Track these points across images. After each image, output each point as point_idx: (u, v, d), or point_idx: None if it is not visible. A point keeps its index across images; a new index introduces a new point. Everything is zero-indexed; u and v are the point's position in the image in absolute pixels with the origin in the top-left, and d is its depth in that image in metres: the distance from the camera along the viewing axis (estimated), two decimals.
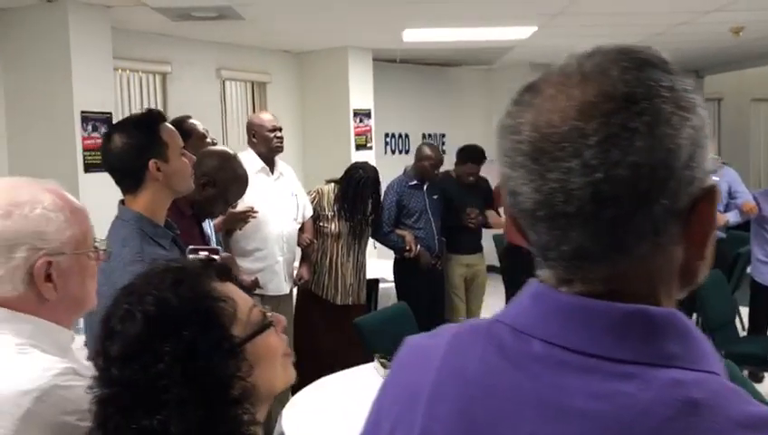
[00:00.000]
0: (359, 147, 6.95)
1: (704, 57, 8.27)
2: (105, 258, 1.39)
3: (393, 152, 7.99)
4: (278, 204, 3.97)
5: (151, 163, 1.96)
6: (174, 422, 0.91)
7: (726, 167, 4.97)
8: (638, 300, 0.62)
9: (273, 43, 6.68)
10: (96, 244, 1.34)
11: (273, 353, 1.05)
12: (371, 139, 7.09)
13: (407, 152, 8.13)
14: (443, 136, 8.40)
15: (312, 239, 4.14)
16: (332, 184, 4.26)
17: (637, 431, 0.55)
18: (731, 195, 4.84)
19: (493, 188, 5.06)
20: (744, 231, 5.20)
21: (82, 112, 4.78)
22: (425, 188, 4.67)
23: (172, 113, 5.94)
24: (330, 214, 4.17)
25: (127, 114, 5.61)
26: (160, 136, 1.98)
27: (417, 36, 6.28)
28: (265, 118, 4.05)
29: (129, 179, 2.02)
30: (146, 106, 5.90)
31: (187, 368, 0.93)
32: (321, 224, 4.19)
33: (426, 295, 4.49)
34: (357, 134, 6.94)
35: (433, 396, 0.67)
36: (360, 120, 6.96)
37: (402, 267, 4.63)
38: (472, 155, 4.82)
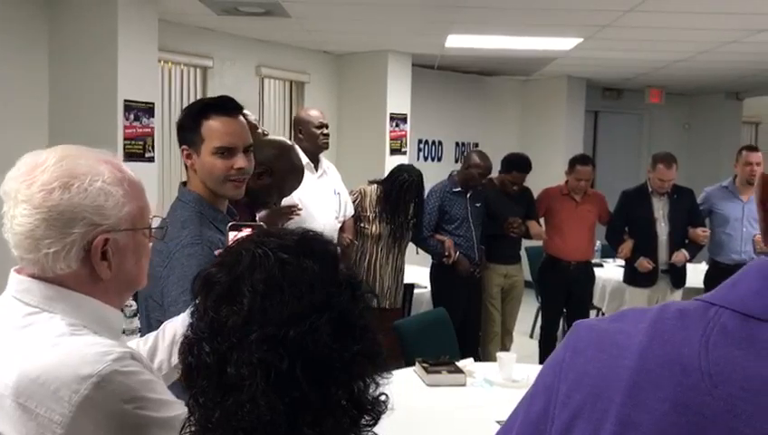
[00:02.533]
0: (393, 151, 6.88)
1: (743, 79, 8.13)
2: (159, 237, 1.32)
3: (426, 159, 7.92)
4: (321, 201, 3.91)
5: (183, 148, 1.93)
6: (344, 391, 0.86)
7: None
8: None
9: (313, 43, 6.65)
10: (152, 220, 1.27)
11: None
12: (406, 144, 7.02)
13: (439, 160, 8.07)
14: (476, 145, 8.28)
15: (352, 239, 4.07)
16: (375, 185, 4.20)
17: None
18: None
19: (535, 198, 4.97)
20: None
21: (125, 101, 4.76)
22: (468, 195, 4.59)
23: None
24: (371, 215, 4.11)
25: (167, 106, 5.62)
26: (199, 128, 1.89)
27: (460, 42, 6.21)
28: (313, 114, 3.99)
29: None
30: (186, 100, 5.88)
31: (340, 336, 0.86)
32: (361, 225, 4.13)
33: (462, 303, 4.41)
34: (392, 138, 6.88)
35: (637, 384, 0.59)
36: (396, 125, 6.90)
37: (440, 273, 4.54)
38: (518, 164, 4.73)
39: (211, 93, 5.92)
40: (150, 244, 1.28)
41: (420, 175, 4.14)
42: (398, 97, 6.89)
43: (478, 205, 4.62)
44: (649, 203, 4.81)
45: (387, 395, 0.91)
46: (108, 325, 1.17)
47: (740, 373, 0.55)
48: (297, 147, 3.85)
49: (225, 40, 6.01)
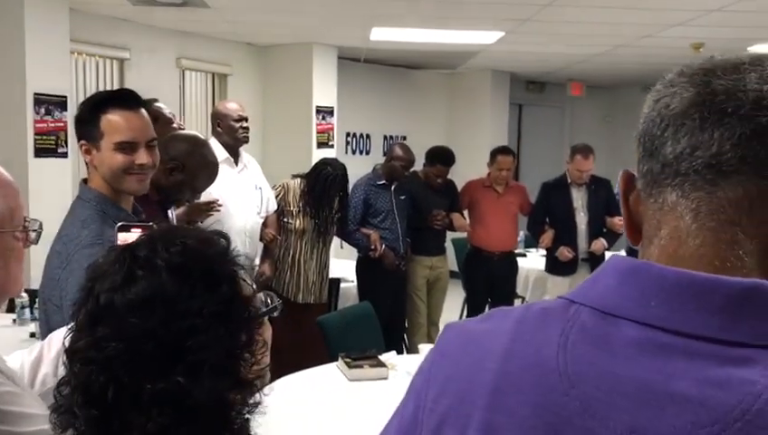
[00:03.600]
0: (320, 145, 6.83)
1: (658, 73, 8.38)
2: (34, 241, 1.25)
3: (354, 152, 7.89)
4: (242, 196, 3.83)
5: (81, 144, 1.85)
6: (200, 384, 0.82)
7: None
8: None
9: (236, 35, 6.52)
10: (26, 224, 1.21)
11: (268, 337, 0.97)
12: (333, 137, 6.98)
13: (367, 153, 8.05)
14: (404, 138, 8.30)
15: (275, 235, 4.01)
16: (299, 179, 4.14)
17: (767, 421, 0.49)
18: None
19: (459, 190, 5.01)
20: None
21: (35, 94, 4.55)
22: (392, 188, 4.58)
23: None
24: (295, 210, 4.05)
25: (81, 99, 5.39)
26: (98, 122, 1.81)
27: (384, 35, 6.20)
28: (231, 107, 3.90)
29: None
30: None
31: (218, 328, 0.85)
32: (285, 219, 4.07)
33: (388, 296, 4.41)
34: (319, 132, 6.83)
35: (499, 387, 0.58)
36: (323, 118, 6.84)
37: (365, 267, 4.53)
38: (442, 157, 4.76)
39: (129, 86, 5.71)
40: (23, 247, 1.21)
41: (344, 168, 4.11)
42: (324, 89, 6.83)
43: (402, 197, 4.62)
44: (568, 194, 4.92)
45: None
46: None
47: (595, 372, 0.54)
48: (214, 141, 3.77)
49: (143, 31, 5.82)
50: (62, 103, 4.72)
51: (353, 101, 7.52)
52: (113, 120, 1.82)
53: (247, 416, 0.88)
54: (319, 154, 6.84)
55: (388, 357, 3.16)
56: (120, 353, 0.82)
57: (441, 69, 8.43)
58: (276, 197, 4.06)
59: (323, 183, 3.98)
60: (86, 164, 1.88)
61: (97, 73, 5.60)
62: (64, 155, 4.74)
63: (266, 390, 0.92)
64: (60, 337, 1.40)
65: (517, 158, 9.13)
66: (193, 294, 0.84)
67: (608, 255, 5.08)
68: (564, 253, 4.85)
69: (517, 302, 5.71)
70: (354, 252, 4.65)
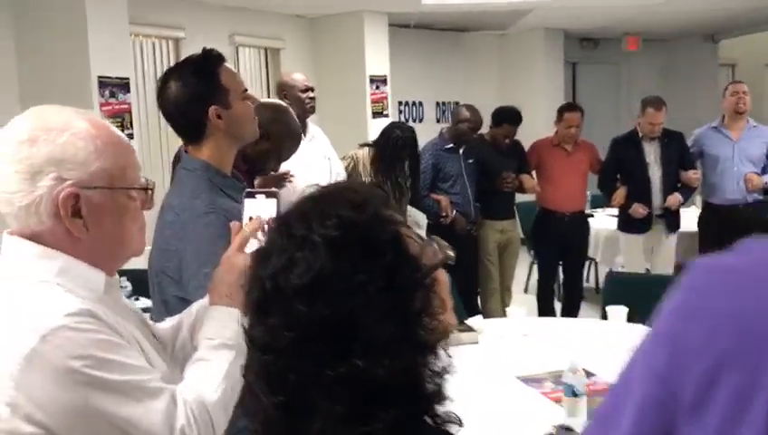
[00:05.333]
0: (375, 114, 6.78)
1: (718, 21, 8.10)
2: (150, 205, 1.26)
3: (407, 120, 7.78)
4: (312, 168, 3.79)
5: (212, 110, 1.77)
6: (380, 363, 0.78)
7: (762, 126, 4.81)
8: None
9: (286, 8, 6.48)
10: (143, 184, 1.22)
11: (445, 291, 0.91)
12: (388, 106, 6.91)
13: (420, 120, 7.97)
14: (456, 104, 8.19)
15: None
16: (367, 148, 4.10)
17: None
18: None
19: (527, 151, 4.91)
20: None
21: (99, 78, 4.60)
22: (461, 151, 4.51)
23: None
24: (367, 179, 4.01)
25: (141, 81, 5.44)
26: (220, 80, 1.78)
27: None
28: (298, 78, 3.87)
29: (190, 130, 1.84)
30: (160, 73, 5.70)
31: (387, 301, 0.79)
32: None
33: (460, 261, 4.31)
34: (373, 102, 6.77)
35: None
36: (377, 87, 6.78)
37: (436, 233, 4.47)
38: (508, 116, 4.65)
39: None
40: (141, 208, 1.23)
41: (413, 131, 4.05)
42: (377, 58, 6.76)
43: (471, 161, 4.55)
44: (640, 148, 4.77)
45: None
46: (85, 284, 1.14)
47: None
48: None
49: (197, 9, 5.82)
50: (125, 85, 4.77)
51: (404, 68, 7.42)
52: (228, 73, 1.80)
53: (438, 381, 0.84)
54: (374, 124, 6.79)
55: (475, 322, 3.13)
56: (293, 342, 0.79)
57: (492, 30, 8.26)
58: (346, 168, 4.03)
59: (393, 147, 3.94)
60: (196, 134, 1.81)
61: (154, 54, 5.63)
62: (131, 136, 4.79)
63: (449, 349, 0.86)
64: (198, 305, 1.40)
65: None
66: (355, 269, 0.79)
67: (681, 210, 4.95)
68: (638, 210, 4.71)
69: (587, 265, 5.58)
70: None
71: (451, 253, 0.92)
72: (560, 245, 4.88)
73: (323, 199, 0.87)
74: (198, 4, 5.81)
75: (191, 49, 5.65)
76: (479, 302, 4.81)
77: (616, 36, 8.66)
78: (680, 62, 9.39)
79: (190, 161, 1.84)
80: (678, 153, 4.77)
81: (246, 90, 1.88)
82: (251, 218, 1.34)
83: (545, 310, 4.93)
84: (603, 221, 5.70)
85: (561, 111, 4.88)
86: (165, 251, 1.74)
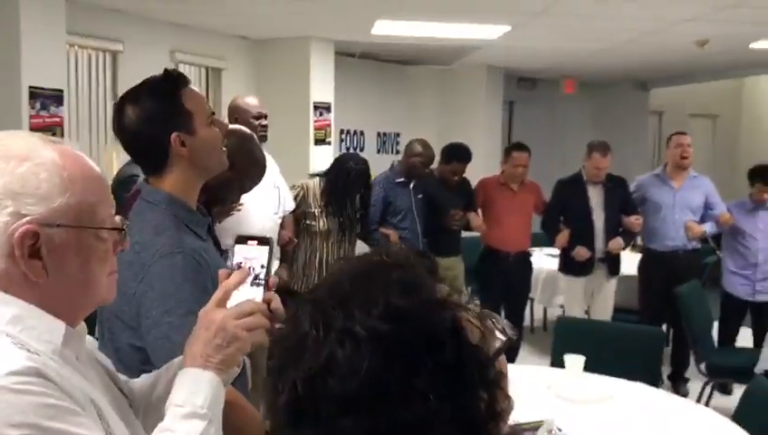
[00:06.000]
0: (318, 141, 6.65)
1: (650, 71, 8.40)
2: (124, 247, 1.12)
3: (348, 149, 7.69)
4: (260, 196, 3.62)
5: (174, 137, 1.60)
6: None
7: (702, 177, 4.95)
8: None
9: (229, 28, 6.31)
10: (116, 224, 1.09)
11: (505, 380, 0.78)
12: (330, 134, 6.80)
13: (361, 150, 7.88)
14: (398, 135, 8.21)
15: (291, 237, 3.83)
16: (317, 178, 3.96)
17: None
18: (706, 206, 4.81)
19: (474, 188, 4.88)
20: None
21: (31, 88, 4.30)
22: (411, 186, 4.44)
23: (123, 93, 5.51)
24: (317, 211, 3.88)
25: (74, 94, 5.14)
26: (183, 104, 1.62)
27: (387, 29, 6.04)
28: (251, 103, 3.71)
29: (151, 159, 1.67)
30: (96, 87, 5.41)
31: (450, 408, 0.66)
32: (307, 222, 3.89)
33: None
34: (316, 128, 6.65)
35: None
36: (321, 114, 6.66)
37: None
38: (458, 153, 4.63)
39: (122, 79, 5.50)
40: (112, 251, 1.09)
41: (367, 163, 3.94)
42: (322, 85, 6.66)
43: (420, 196, 4.49)
44: (585, 192, 4.82)
45: None
46: (42, 337, 0.99)
47: None
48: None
49: (137, 23, 5.58)
50: (57, 98, 4.48)
51: (347, 97, 7.33)
52: (193, 95, 1.63)
53: None
54: (316, 151, 6.67)
55: None
56: None
57: (436, 65, 8.30)
58: (296, 198, 3.88)
59: (345, 179, 3.81)
60: (158, 164, 1.64)
61: (89, 67, 5.35)
62: None
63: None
64: (180, 361, 1.24)
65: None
66: (411, 372, 0.66)
67: (623, 255, 5.01)
68: (582, 252, 4.73)
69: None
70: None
71: (512, 331, 0.79)
72: (503, 283, 4.84)
73: (364, 278, 0.72)
74: (139, 17, 5.57)
75: (130, 63, 5.49)
76: None
77: (553, 78, 8.86)
78: (612, 108, 9.69)
79: (152, 193, 1.66)
80: (621, 198, 4.84)
81: (213, 114, 1.72)
82: (239, 267, 1.18)
83: None
84: (542, 260, 5.72)
85: (509, 150, 4.90)
86: (121, 294, 1.53)
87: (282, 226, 3.82)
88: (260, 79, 6.73)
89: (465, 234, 4.99)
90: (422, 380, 0.65)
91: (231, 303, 1.17)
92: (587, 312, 4.99)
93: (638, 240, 5.38)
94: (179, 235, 1.59)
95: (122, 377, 1.24)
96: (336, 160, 3.98)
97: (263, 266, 1.18)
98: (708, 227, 4.79)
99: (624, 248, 4.89)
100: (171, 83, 1.63)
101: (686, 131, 5.00)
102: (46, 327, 1.00)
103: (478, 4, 5.10)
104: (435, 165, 4.67)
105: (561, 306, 5.44)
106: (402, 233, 4.36)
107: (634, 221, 4.76)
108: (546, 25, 5.72)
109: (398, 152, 8.06)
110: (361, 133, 7.93)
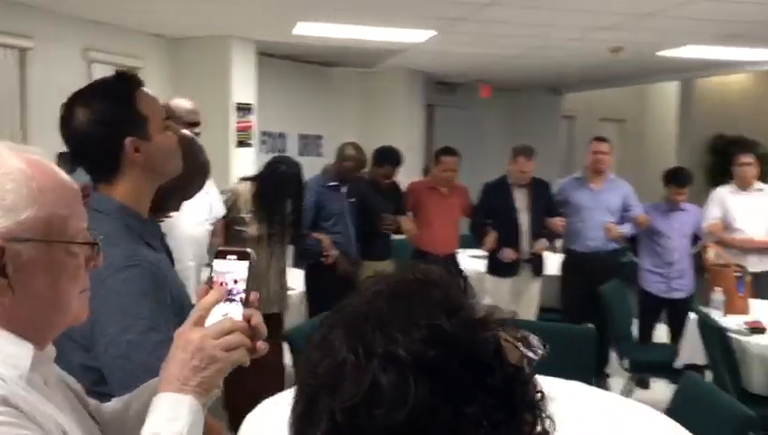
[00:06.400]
0: (240, 144, 6.51)
1: (566, 76, 8.69)
2: (97, 263, 1.06)
3: (269, 152, 7.57)
4: (190, 202, 3.49)
5: (128, 142, 1.53)
6: None
7: (620, 180, 5.14)
8: None
9: (145, 25, 6.09)
10: (89, 238, 1.03)
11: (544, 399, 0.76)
12: (253, 136, 6.67)
13: (282, 152, 7.77)
14: (319, 138, 8.15)
15: (222, 245, 3.71)
16: (248, 182, 3.87)
17: None
18: (624, 208, 5.00)
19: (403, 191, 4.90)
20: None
21: None
22: (343, 190, 4.41)
23: (31, 94, 5.23)
24: (248, 216, 3.78)
25: None
26: (137, 107, 1.55)
27: (309, 30, 5.98)
28: (184, 107, 3.59)
29: (102, 165, 1.57)
30: (2, 84, 5.10)
31: (504, 432, 0.64)
32: (238, 228, 3.79)
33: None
34: (239, 130, 6.52)
35: None
36: (243, 115, 6.53)
37: (316, 274, 4.31)
38: (390, 157, 4.63)
39: (31, 78, 5.21)
40: (84, 267, 1.03)
41: (299, 166, 3.87)
42: (244, 86, 6.53)
43: (353, 200, 4.46)
44: (510, 195, 4.91)
45: None
46: (7, 361, 0.92)
47: None
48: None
49: (47, 18, 5.29)
50: None
51: (269, 98, 7.23)
52: (147, 98, 1.56)
53: None
54: (238, 154, 6.53)
55: None
56: None
57: (358, 67, 8.29)
58: (226, 203, 3.77)
59: (278, 183, 3.74)
60: (110, 174, 1.56)
61: None
62: None
63: None
64: (154, 384, 1.16)
65: (427, 156, 9.18)
66: (462, 398, 0.63)
67: (548, 256, 5.15)
68: (508, 253, 4.83)
69: None
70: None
71: (542, 347, 0.77)
72: None
73: (402, 299, 0.68)
74: (50, 12, 5.28)
75: (39, 60, 5.20)
76: None
77: (471, 82, 9.02)
78: (526, 112, 9.96)
79: (103, 202, 1.56)
80: (545, 201, 4.97)
81: (168, 117, 1.66)
82: (221, 284, 1.12)
83: None
84: (467, 262, 5.79)
85: (439, 154, 4.94)
86: None
87: (213, 233, 3.71)
88: (178, 79, 6.52)
89: (394, 237, 5.00)
90: (474, 407, 0.63)
91: (209, 321, 1.11)
92: (515, 313, 5.09)
93: (557, 243, 5.54)
94: (134, 246, 1.50)
95: (92, 401, 1.16)
96: (268, 164, 3.90)
97: (237, 282, 1.12)
98: (627, 229, 4.98)
99: (548, 249, 5.03)
100: (124, 85, 1.55)
101: (604, 137, 5.18)
102: (13, 350, 0.93)
103: (404, 8, 5.12)
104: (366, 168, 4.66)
105: None
106: (335, 238, 4.32)
107: (557, 222, 4.89)
108: (470, 31, 5.81)
109: (320, 155, 8.02)
110: (283, 135, 7.83)
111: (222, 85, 6.39)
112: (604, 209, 4.97)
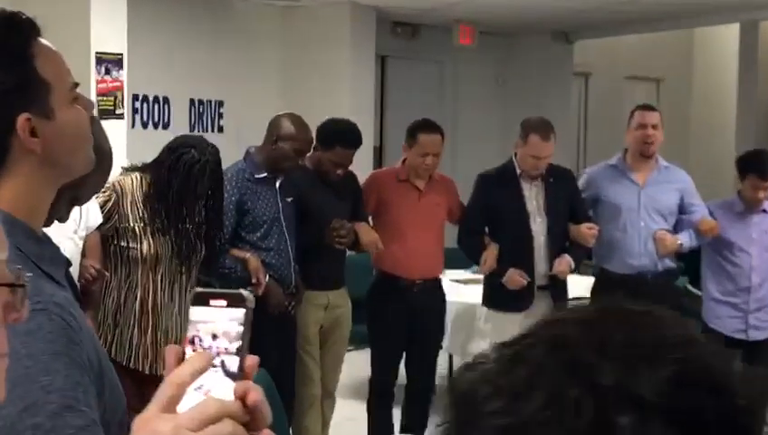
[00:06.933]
0: (104, 114, 6.40)
1: (577, 15, 8.85)
2: (21, 313, 1.10)
3: (145, 126, 7.57)
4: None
5: (22, 121, 1.52)
6: None
7: (676, 168, 5.24)
8: None
9: None
10: (6, 278, 1.06)
11: None
12: (122, 102, 6.59)
13: (165, 126, 7.75)
14: (220, 104, 8.12)
15: (100, 270, 3.70)
16: (137, 174, 3.82)
17: None
18: (682, 209, 5.05)
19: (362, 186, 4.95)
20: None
21: None
22: (278, 184, 4.41)
23: None
24: (138, 225, 3.76)
25: None
26: (35, 68, 1.53)
27: None
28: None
29: None
30: None
31: None
32: (123, 244, 3.77)
33: (273, 353, 4.17)
34: (101, 93, 6.40)
35: None
36: (107, 72, 6.44)
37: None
38: (344, 136, 4.62)
39: None
40: (2, 319, 1.07)
41: (217, 151, 3.88)
42: (109, 28, 6.43)
43: (290, 200, 4.49)
44: (519, 190, 4.95)
45: None
46: None
47: None
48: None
49: None
50: None
51: (143, 47, 7.15)
52: (50, 55, 1.56)
53: None
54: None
55: None
56: None
57: (278, 0, 8.28)
58: (103, 206, 3.74)
59: (186, 176, 3.72)
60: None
61: None
62: None
63: None
64: None
65: (380, 131, 9.24)
66: None
67: (572, 279, 5.20)
68: (516, 278, 4.85)
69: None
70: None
71: None
72: (407, 324, 4.90)
73: (630, 321, 0.78)
74: None
75: None
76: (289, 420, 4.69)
77: (444, 24, 9.09)
78: (523, 67, 10.11)
79: None
80: (568, 199, 5.03)
81: (77, 84, 1.65)
82: (201, 346, 1.09)
83: (383, 428, 4.93)
84: (449, 289, 5.82)
85: (414, 130, 4.94)
86: None
87: (83, 251, 3.67)
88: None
89: (350, 254, 5.02)
90: None
91: (185, 403, 1.08)
92: None
93: (586, 260, 5.62)
94: (37, 282, 1.46)
95: None
96: (170, 147, 3.89)
97: (225, 340, 1.10)
98: (687, 239, 5.06)
99: (573, 271, 5.09)
100: (17, 34, 1.53)
101: (652, 105, 5.29)
102: None
103: None
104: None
105: None
106: (266, 256, 4.35)
107: (587, 231, 4.94)
108: None
109: (221, 129, 7.97)
110: (165, 101, 7.77)
111: (77, 27, 6.29)
112: (654, 211, 5.06)
